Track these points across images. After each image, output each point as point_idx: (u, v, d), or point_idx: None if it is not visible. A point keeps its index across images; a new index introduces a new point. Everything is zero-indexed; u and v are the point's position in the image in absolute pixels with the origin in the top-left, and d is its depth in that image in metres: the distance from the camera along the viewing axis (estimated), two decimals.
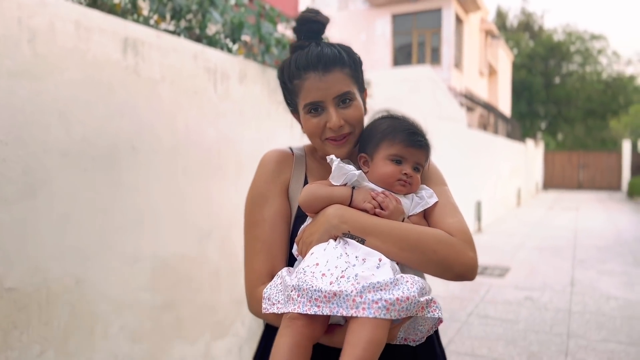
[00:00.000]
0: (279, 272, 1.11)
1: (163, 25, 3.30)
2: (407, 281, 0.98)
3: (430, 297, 1.02)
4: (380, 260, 1.02)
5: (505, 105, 24.78)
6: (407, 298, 0.95)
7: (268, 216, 1.20)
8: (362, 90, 1.26)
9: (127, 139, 2.40)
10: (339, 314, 0.95)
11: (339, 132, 1.17)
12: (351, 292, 0.95)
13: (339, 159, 1.14)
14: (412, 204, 1.17)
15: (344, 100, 1.17)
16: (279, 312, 1.02)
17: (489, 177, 12.06)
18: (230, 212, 3.07)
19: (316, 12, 1.21)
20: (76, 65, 2.17)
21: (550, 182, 26.57)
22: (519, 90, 29.96)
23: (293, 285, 0.99)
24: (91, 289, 2.25)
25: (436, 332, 1.28)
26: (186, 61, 2.75)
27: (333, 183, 1.13)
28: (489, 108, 16.27)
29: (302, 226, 1.16)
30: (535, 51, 31.94)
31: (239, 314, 3.17)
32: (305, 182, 1.24)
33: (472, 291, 5.67)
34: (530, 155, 20.65)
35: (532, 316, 4.80)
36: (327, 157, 1.16)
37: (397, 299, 0.94)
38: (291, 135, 3.66)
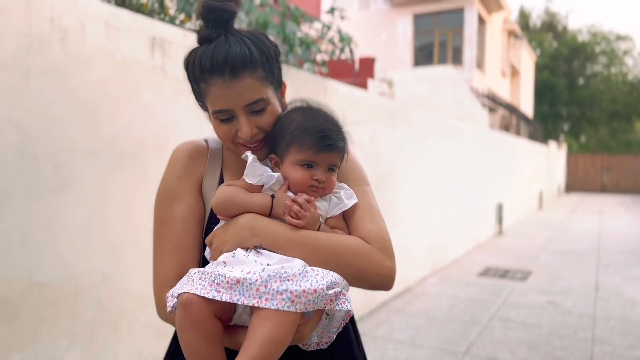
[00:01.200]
0: (187, 273, 0.99)
1: (188, 24, 3.32)
2: (317, 274, 0.92)
3: (339, 290, 0.95)
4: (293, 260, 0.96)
5: (527, 106, 24.47)
6: (315, 290, 0.89)
7: (178, 215, 1.09)
8: (279, 86, 1.13)
9: (153, 138, 2.43)
10: (239, 302, 0.88)
11: (252, 140, 1.06)
12: (256, 280, 0.88)
13: (253, 156, 1.04)
14: (330, 205, 1.07)
15: (255, 108, 1.05)
16: (175, 295, 0.93)
17: (510, 180, 11.92)
18: None
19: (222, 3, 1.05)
20: (105, 64, 2.20)
21: (573, 185, 26.17)
22: (542, 92, 29.54)
23: (197, 270, 0.94)
24: (117, 285, 2.28)
25: (356, 333, 1.22)
26: None
27: (247, 181, 1.02)
28: (511, 109, 16.09)
29: (217, 227, 1.06)
30: (559, 52, 31.48)
31: None
32: (221, 179, 1.14)
33: (494, 294, 5.61)
34: (552, 158, 20.36)
35: (555, 321, 4.72)
36: (244, 154, 1.05)
37: (304, 290, 0.88)
38: None
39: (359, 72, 7.12)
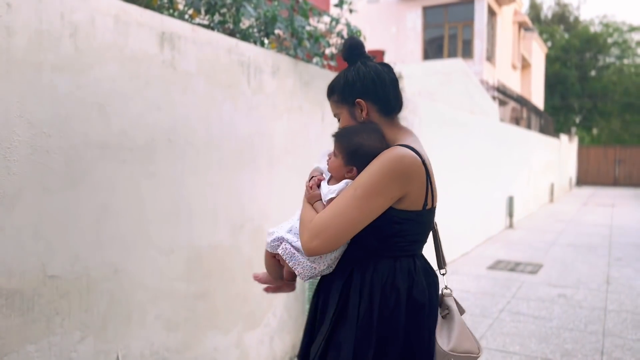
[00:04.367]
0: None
1: (197, 19, 3.33)
2: (279, 231, 1.62)
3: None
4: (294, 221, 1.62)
5: (538, 99, 24.26)
6: (267, 242, 1.65)
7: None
8: (353, 102, 1.59)
9: (163, 132, 2.45)
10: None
11: None
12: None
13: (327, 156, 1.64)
14: (327, 192, 1.52)
15: (337, 118, 1.66)
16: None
17: (521, 173, 11.85)
18: (263, 204, 3.10)
19: (357, 41, 1.66)
20: (115, 59, 2.21)
21: (585, 177, 25.94)
22: (553, 84, 29.26)
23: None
24: (129, 278, 2.30)
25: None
26: (221, 55, 2.78)
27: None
28: (522, 102, 15.96)
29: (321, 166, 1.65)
30: (571, 43, 31.13)
31: (271, 305, 3.21)
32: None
33: (504, 287, 5.60)
34: (564, 150, 20.19)
35: (566, 314, 4.71)
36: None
37: (268, 241, 1.64)
38: (322, 128, 3.66)
39: None
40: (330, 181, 1.58)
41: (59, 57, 1.99)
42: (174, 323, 2.54)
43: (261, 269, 2.54)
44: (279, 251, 1.57)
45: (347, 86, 1.59)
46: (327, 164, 1.61)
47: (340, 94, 1.62)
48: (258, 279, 1.77)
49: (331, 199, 1.48)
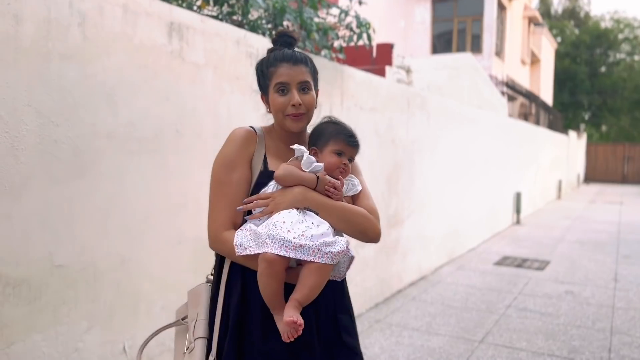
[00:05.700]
0: (246, 226, 1.49)
1: (206, 10, 3.32)
2: (341, 240, 1.45)
3: (348, 245, 1.48)
4: (329, 227, 1.47)
5: (547, 95, 24.08)
6: (342, 251, 1.44)
7: (235, 179, 1.53)
8: (316, 90, 1.63)
9: (171, 123, 2.44)
10: (302, 259, 1.39)
11: (298, 110, 1.53)
12: (312, 245, 1.39)
13: (307, 152, 1.52)
14: (347, 189, 1.60)
15: (303, 87, 1.55)
16: (252, 253, 1.41)
17: (529, 169, 11.77)
18: None
19: (291, 31, 1.67)
20: (123, 49, 2.20)
21: (593, 174, 25.76)
22: (562, 80, 29.01)
23: (267, 234, 1.39)
24: (135, 269, 2.30)
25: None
26: (229, 46, 2.76)
27: (303, 169, 1.51)
28: (531, 97, 15.85)
29: (263, 189, 1.53)
30: (581, 39, 30.84)
31: None
32: (264, 157, 1.58)
33: (511, 283, 5.57)
34: (572, 147, 20.05)
35: (573, 310, 4.68)
36: (293, 145, 1.53)
37: (338, 251, 1.42)
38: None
39: (376, 59, 7.06)
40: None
41: (67, 46, 1.98)
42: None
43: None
44: (351, 255, 1.53)
45: (315, 71, 1.63)
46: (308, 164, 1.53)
47: (312, 73, 1.61)
48: (294, 321, 1.39)
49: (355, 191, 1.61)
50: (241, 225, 1.53)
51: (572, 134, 20.42)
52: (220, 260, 1.64)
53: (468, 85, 8.03)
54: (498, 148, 8.84)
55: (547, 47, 23.84)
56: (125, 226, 2.25)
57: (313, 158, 1.53)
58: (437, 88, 7.57)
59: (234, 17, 3.34)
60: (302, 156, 1.52)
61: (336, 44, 4.19)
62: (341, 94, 3.83)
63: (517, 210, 10.23)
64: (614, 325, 4.31)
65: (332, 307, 1.59)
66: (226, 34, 2.74)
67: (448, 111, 6.40)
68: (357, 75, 4.10)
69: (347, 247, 1.45)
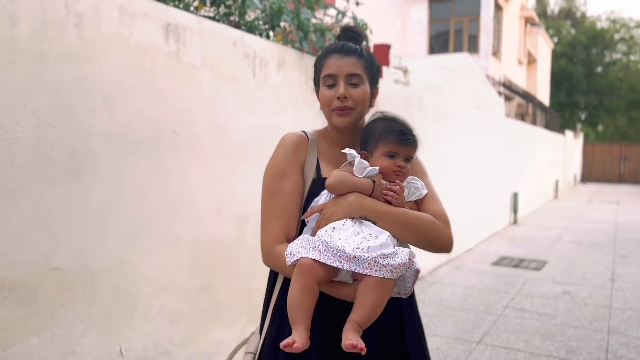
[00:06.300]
0: (300, 237, 1.35)
1: (202, 11, 3.31)
2: (402, 251, 1.27)
3: (412, 257, 1.31)
4: (389, 237, 1.30)
5: (544, 95, 24.12)
6: (404, 263, 1.25)
7: (287, 188, 1.42)
8: (373, 86, 1.49)
9: (168, 124, 2.43)
10: (357, 271, 1.23)
11: (343, 102, 1.40)
12: (368, 257, 1.22)
13: (358, 156, 1.38)
14: (409, 193, 1.44)
15: (352, 80, 1.42)
16: (299, 257, 1.26)
17: (526, 168, 11.79)
18: None
19: (356, 27, 1.55)
20: (120, 50, 2.19)
21: (590, 174, 25.82)
22: (559, 80, 29.05)
23: (321, 240, 1.25)
24: (132, 271, 2.29)
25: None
26: (226, 47, 2.75)
27: (356, 175, 1.36)
28: (528, 97, 15.87)
29: (315, 199, 1.41)
30: (577, 39, 30.88)
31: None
32: (317, 163, 1.47)
33: (508, 284, 5.57)
34: (569, 147, 20.09)
35: (570, 311, 4.68)
36: (344, 149, 1.39)
37: (398, 264, 1.24)
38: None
39: None
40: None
41: (63, 47, 1.97)
42: (177, 316, 2.53)
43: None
44: (416, 268, 1.36)
45: (373, 66, 1.49)
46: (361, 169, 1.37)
47: (368, 66, 1.46)
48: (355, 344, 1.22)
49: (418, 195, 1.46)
50: (295, 238, 1.40)
51: (569, 133, 20.46)
52: (273, 276, 1.52)
53: (465, 85, 8.04)
54: (495, 148, 8.85)
55: (543, 47, 23.88)
56: (122, 228, 2.24)
57: (366, 162, 1.38)
58: (434, 88, 7.57)
59: (231, 18, 3.33)
60: (355, 161, 1.38)
61: None
62: None
63: (514, 210, 10.24)
64: (611, 325, 4.31)
65: (397, 327, 1.45)
66: (223, 35, 2.73)
67: (445, 111, 6.40)
68: None
69: (410, 258, 1.28)
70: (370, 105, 1.49)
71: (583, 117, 32.32)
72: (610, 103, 30.74)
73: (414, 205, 1.45)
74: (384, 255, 1.24)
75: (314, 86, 1.53)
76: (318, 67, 1.48)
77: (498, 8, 17.03)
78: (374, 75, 1.49)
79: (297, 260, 1.27)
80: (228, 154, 2.79)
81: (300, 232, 1.43)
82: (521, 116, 15.29)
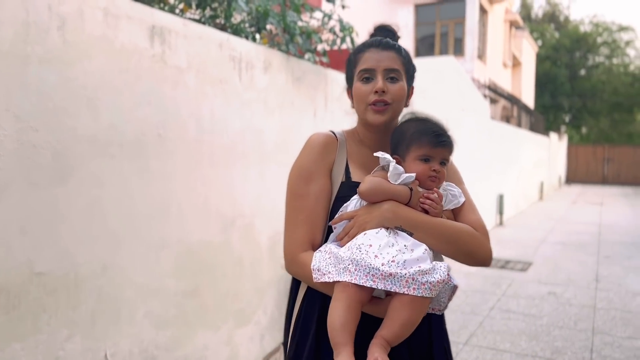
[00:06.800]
0: (326, 248, 1.27)
1: (188, 13, 3.30)
2: (441, 266, 1.19)
3: (449, 273, 1.24)
4: (425, 251, 1.20)
5: (528, 97, 24.37)
6: (443, 280, 1.17)
7: (313, 191, 1.34)
8: (410, 85, 1.43)
9: (153, 127, 2.41)
10: (392, 290, 1.14)
11: (382, 96, 1.32)
12: (405, 275, 1.14)
13: (394, 161, 1.28)
14: (446, 201, 1.34)
15: (391, 76, 1.35)
16: (331, 281, 1.18)
17: (511, 170, 11.90)
18: (254, 201, 3.08)
19: (391, 26, 1.48)
20: (104, 53, 2.18)
21: (574, 176, 26.13)
22: (543, 83, 29.38)
23: (350, 259, 1.16)
24: (118, 275, 2.27)
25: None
26: (212, 50, 2.74)
27: (390, 181, 1.27)
28: (513, 100, 16.02)
29: (345, 205, 1.32)
30: (561, 42, 31.27)
31: (261, 302, 3.18)
32: (347, 165, 1.39)
33: (494, 285, 5.61)
34: (553, 149, 20.31)
35: (555, 311, 4.73)
36: (377, 153, 1.30)
37: (437, 281, 1.16)
38: (314, 124, 3.64)
39: None
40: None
41: (46, 50, 1.95)
42: (163, 320, 2.51)
43: (251, 265, 2.48)
44: (454, 284, 1.29)
45: (411, 64, 1.43)
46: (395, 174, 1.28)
47: (406, 63, 1.40)
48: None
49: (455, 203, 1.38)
50: (321, 245, 1.33)
51: (554, 135, 20.69)
52: (295, 284, 1.44)
53: (451, 88, 8.08)
54: (481, 150, 8.91)
55: (528, 50, 24.14)
56: (107, 232, 2.22)
57: (401, 167, 1.28)
58: (420, 91, 7.60)
59: (217, 21, 3.32)
60: (389, 166, 1.28)
61: (320, 47, 4.19)
62: (325, 97, 3.83)
63: (500, 212, 10.32)
64: (595, 325, 4.36)
65: (427, 343, 1.38)
66: (209, 38, 2.73)
67: (431, 114, 6.43)
68: (340, 79, 4.11)
69: (448, 274, 1.21)
70: (406, 105, 1.43)
71: (567, 119, 32.71)
72: (593, 106, 31.16)
73: (451, 214, 1.37)
74: (422, 271, 1.15)
75: (346, 83, 1.45)
76: (353, 62, 1.41)
77: (483, 12, 17.19)
78: (411, 74, 1.43)
79: (328, 281, 1.19)
80: (214, 157, 2.78)
81: (326, 239, 1.36)
82: (506, 119, 15.43)
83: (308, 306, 1.35)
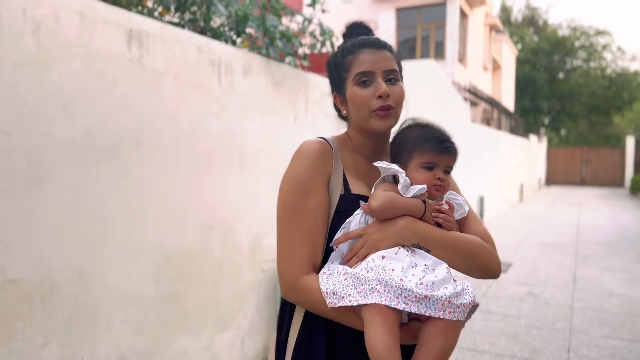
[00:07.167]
0: (338, 268, 1.15)
1: (167, 17, 3.28)
2: (467, 286, 1.12)
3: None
4: (447, 270, 1.12)
5: (508, 100, 24.69)
6: (473, 300, 1.11)
7: (312, 206, 1.20)
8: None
9: (130, 132, 2.40)
10: (426, 314, 1.05)
11: (386, 101, 1.22)
12: (441, 297, 1.05)
13: (403, 172, 1.18)
14: (455, 212, 1.28)
15: (390, 77, 1.25)
16: (355, 304, 1.06)
17: (491, 173, 12.03)
18: (233, 206, 3.07)
19: (365, 23, 1.38)
20: (80, 57, 2.16)
21: (553, 177, 26.52)
22: (523, 86, 29.81)
23: (377, 279, 1.05)
24: (94, 281, 2.25)
25: None
26: (190, 54, 2.73)
27: (403, 194, 1.17)
28: (493, 103, 16.22)
29: (347, 221, 1.20)
30: (540, 46, 31.77)
31: (242, 307, 3.17)
32: (344, 176, 1.27)
33: (474, 286, 5.66)
34: (533, 151, 20.59)
35: (534, 312, 4.79)
36: (377, 163, 1.20)
37: (469, 302, 1.09)
38: (295, 128, 3.64)
39: None
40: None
41: (20, 54, 1.93)
42: (141, 326, 2.49)
43: (231, 270, 2.48)
44: (476, 302, 1.18)
45: (400, 63, 1.34)
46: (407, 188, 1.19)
47: (398, 63, 1.31)
48: None
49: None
50: (321, 266, 1.21)
51: (533, 138, 20.98)
52: (287, 311, 1.29)
53: (432, 91, 8.16)
54: (461, 153, 8.98)
55: (508, 53, 24.46)
56: (83, 237, 2.19)
57: (408, 180, 1.18)
58: None
59: (196, 24, 3.31)
60: (392, 177, 1.20)
61: (300, 51, 4.20)
62: (306, 101, 3.84)
63: (481, 214, 10.43)
64: (572, 325, 4.43)
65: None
66: (187, 42, 2.72)
67: (411, 117, 6.47)
68: (321, 83, 4.12)
69: (473, 293, 1.13)
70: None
71: (546, 121, 33.23)
72: (572, 108, 31.71)
73: (457, 224, 1.28)
74: (455, 293, 1.07)
75: (334, 89, 1.34)
76: (342, 65, 1.28)
77: (463, 16, 17.38)
78: (402, 74, 1.33)
79: (351, 304, 1.08)
80: (193, 161, 2.77)
81: (324, 259, 1.24)
82: (486, 121, 15.61)
83: (310, 335, 1.22)
